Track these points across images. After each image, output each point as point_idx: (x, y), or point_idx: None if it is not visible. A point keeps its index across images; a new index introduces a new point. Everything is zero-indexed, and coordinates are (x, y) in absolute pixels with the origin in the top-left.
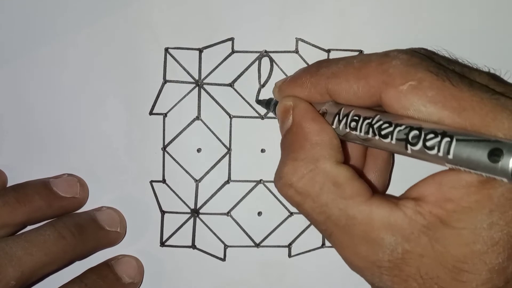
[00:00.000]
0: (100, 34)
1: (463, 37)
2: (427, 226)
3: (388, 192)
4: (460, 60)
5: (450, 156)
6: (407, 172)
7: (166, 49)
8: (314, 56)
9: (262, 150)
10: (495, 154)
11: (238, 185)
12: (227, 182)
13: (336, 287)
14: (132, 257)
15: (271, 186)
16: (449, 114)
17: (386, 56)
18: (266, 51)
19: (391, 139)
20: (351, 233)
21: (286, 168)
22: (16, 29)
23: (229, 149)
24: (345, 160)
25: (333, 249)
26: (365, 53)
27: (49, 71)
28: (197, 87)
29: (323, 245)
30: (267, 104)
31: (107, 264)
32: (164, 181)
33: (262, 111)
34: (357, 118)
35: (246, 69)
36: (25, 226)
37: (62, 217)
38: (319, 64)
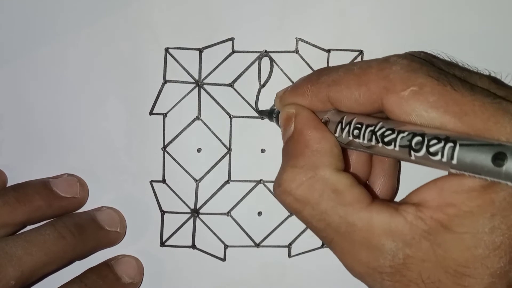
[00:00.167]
0: (100, 34)
1: (463, 37)
2: (428, 231)
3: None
4: (460, 64)
5: (454, 162)
6: (409, 177)
7: (166, 49)
8: (314, 56)
9: (262, 150)
10: (499, 158)
11: (238, 185)
12: (227, 182)
13: (336, 287)
14: (132, 257)
15: (271, 186)
16: (451, 119)
17: (386, 61)
18: (266, 51)
19: (394, 146)
20: (351, 239)
21: (285, 175)
22: (16, 29)
23: (229, 149)
24: (346, 167)
25: None
26: (365, 53)
27: (49, 71)
28: (197, 87)
29: (323, 245)
30: (270, 114)
31: (107, 264)
32: (164, 181)
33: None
34: (359, 125)
35: (246, 69)
36: (25, 226)
37: (62, 217)
38: (319, 72)
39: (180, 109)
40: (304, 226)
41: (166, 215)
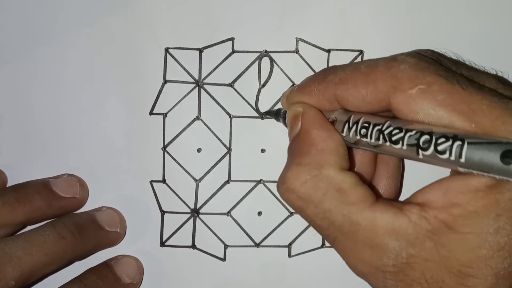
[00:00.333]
0: (100, 34)
1: (463, 37)
2: (432, 231)
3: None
4: (467, 63)
5: (462, 160)
6: (413, 177)
7: (166, 49)
8: (314, 56)
9: (262, 150)
10: (508, 156)
11: (238, 185)
12: (227, 182)
13: (336, 287)
14: (132, 257)
15: (271, 186)
16: (459, 117)
17: (393, 60)
18: (266, 51)
19: (402, 144)
20: (354, 238)
21: (289, 172)
22: (16, 29)
23: (229, 149)
24: (351, 167)
25: (333, 249)
26: (365, 53)
27: (49, 71)
28: (197, 87)
29: (323, 245)
30: (276, 114)
31: (106, 264)
32: (164, 181)
33: (262, 110)
34: (367, 125)
35: (246, 69)
36: (25, 226)
37: (62, 217)
38: (326, 71)
39: (180, 109)
40: (304, 226)
41: (166, 215)
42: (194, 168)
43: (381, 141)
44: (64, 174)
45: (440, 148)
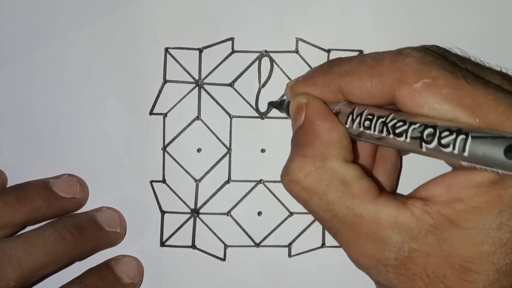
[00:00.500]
0: (100, 34)
1: (463, 37)
2: (435, 225)
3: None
4: (472, 59)
5: (466, 154)
6: (414, 173)
7: (166, 49)
8: (314, 56)
9: (262, 150)
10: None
11: (238, 185)
12: (227, 182)
13: (336, 287)
14: (132, 257)
15: (271, 186)
16: (464, 112)
17: (399, 53)
18: (266, 51)
19: (406, 137)
20: (357, 231)
21: (293, 164)
22: (16, 29)
23: (229, 149)
24: (355, 159)
25: (333, 249)
26: (365, 53)
27: (49, 71)
28: (197, 87)
29: (323, 245)
30: (280, 105)
31: (106, 265)
32: (164, 181)
33: (262, 110)
34: (370, 117)
35: (246, 69)
36: (25, 227)
37: (62, 218)
38: (332, 62)
39: (180, 109)
40: (304, 226)
41: (166, 215)
42: (194, 168)
43: (384, 134)
44: (64, 174)
45: (443, 141)
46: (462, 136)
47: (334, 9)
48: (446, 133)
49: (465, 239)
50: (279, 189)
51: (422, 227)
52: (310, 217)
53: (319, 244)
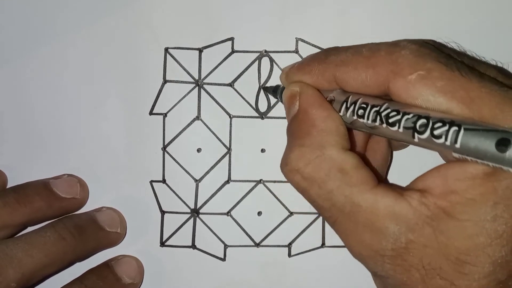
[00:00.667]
0: (100, 34)
1: (463, 37)
2: (432, 217)
3: None
4: (468, 53)
5: (458, 145)
6: (405, 168)
7: (166, 49)
8: None
9: (262, 150)
10: (503, 143)
11: (238, 185)
12: (227, 182)
13: (336, 287)
14: (132, 258)
15: (271, 186)
16: (457, 104)
17: (395, 45)
18: (266, 51)
19: (399, 127)
20: (355, 220)
21: (293, 154)
22: (16, 29)
23: (229, 149)
24: (352, 147)
25: (333, 249)
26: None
27: (49, 71)
28: (197, 87)
29: (323, 245)
30: (274, 91)
31: (107, 265)
32: (164, 181)
33: (262, 110)
34: (364, 106)
35: (246, 69)
36: (25, 227)
37: (62, 218)
38: (328, 51)
39: (180, 109)
40: (304, 226)
41: (166, 215)
42: (194, 168)
43: (377, 123)
44: (64, 175)
45: (436, 132)
46: (454, 128)
47: (334, 9)
48: (439, 124)
49: (460, 231)
50: (279, 189)
51: (419, 218)
52: (310, 217)
53: (319, 244)
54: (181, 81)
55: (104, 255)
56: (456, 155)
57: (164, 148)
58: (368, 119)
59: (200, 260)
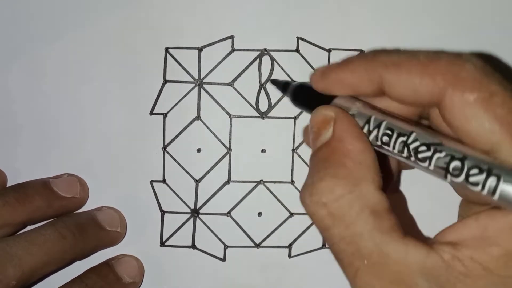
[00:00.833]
0: (100, 34)
1: (463, 37)
2: (465, 273)
3: None
4: None
5: (496, 198)
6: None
7: (166, 49)
8: (314, 55)
9: (262, 150)
10: None
11: (238, 185)
12: (227, 182)
13: (336, 287)
14: (132, 257)
15: (271, 186)
16: (511, 140)
17: (459, 57)
18: (266, 50)
19: (429, 164)
20: (381, 272)
21: (323, 184)
22: (16, 29)
23: (229, 149)
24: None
25: None
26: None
27: (49, 71)
28: (197, 87)
29: (323, 245)
30: (284, 87)
31: (107, 264)
32: (164, 181)
33: (263, 110)
34: (389, 132)
35: (246, 68)
36: (25, 226)
37: (63, 217)
38: (376, 52)
39: (180, 109)
40: (304, 227)
41: (166, 215)
42: (194, 168)
43: (405, 155)
44: (64, 174)
45: (472, 180)
46: (493, 178)
47: (335, 8)
48: (475, 170)
49: None
50: (279, 190)
51: (451, 275)
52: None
53: (320, 245)
54: (181, 81)
55: (104, 254)
56: (493, 202)
57: (164, 148)
58: (394, 148)
59: (200, 260)
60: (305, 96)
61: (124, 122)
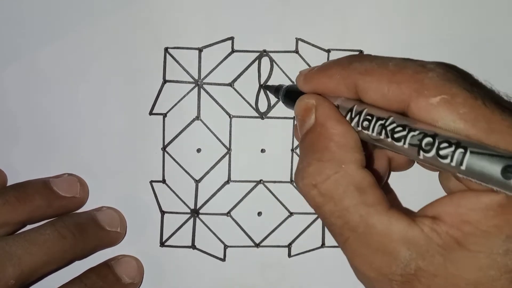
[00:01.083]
0: (100, 34)
1: (463, 38)
2: (443, 246)
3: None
4: (489, 86)
5: (463, 168)
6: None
7: (166, 49)
8: (314, 56)
9: (262, 150)
10: (509, 170)
11: (238, 185)
12: (227, 182)
13: (336, 287)
14: (132, 257)
15: (271, 186)
16: (477, 133)
17: (422, 66)
18: (266, 51)
19: (404, 143)
20: (367, 241)
21: (311, 168)
22: (16, 29)
23: (229, 149)
24: (368, 165)
25: (333, 249)
26: (364, 53)
27: (49, 71)
28: (196, 87)
29: (322, 245)
30: (276, 90)
31: (107, 264)
32: (164, 181)
33: (262, 110)
34: (369, 117)
35: (246, 68)
36: (25, 225)
37: (62, 217)
38: (351, 58)
39: (180, 109)
40: (304, 226)
41: (166, 215)
42: (194, 168)
43: (382, 136)
44: (64, 174)
45: (442, 152)
46: (460, 150)
47: (334, 9)
48: (445, 144)
49: (471, 263)
50: (279, 189)
51: (430, 246)
52: (310, 217)
53: (319, 244)
54: (181, 81)
55: (104, 254)
56: (460, 175)
57: (164, 148)
58: (373, 131)
59: (200, 260)
60: (294, 96)
61: (123, 122)
